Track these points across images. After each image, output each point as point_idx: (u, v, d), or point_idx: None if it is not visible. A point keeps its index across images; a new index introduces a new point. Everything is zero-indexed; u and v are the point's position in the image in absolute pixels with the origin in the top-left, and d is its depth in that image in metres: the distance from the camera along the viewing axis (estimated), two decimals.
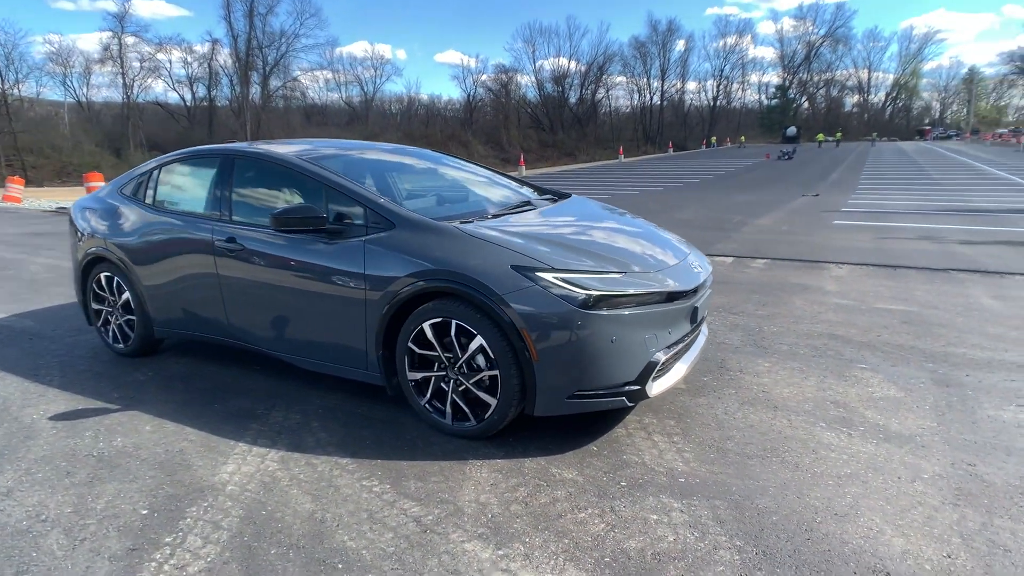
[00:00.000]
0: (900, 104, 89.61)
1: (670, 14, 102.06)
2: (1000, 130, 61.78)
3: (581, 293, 2.57)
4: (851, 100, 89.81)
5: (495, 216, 3.28)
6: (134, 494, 2.53)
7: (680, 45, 75.55)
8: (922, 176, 20.49)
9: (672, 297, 2.80)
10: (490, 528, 2.23)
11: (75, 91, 47.23)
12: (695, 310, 2.93)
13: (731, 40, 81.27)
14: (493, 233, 2.90)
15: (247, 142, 3.99)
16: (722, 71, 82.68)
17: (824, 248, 7.68)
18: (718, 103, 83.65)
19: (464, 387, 2.81)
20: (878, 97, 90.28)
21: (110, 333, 4.20)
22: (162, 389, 3.62)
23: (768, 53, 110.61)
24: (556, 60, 71.54)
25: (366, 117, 74.32)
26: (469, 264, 2.70)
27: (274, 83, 55.81)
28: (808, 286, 5.65)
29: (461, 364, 2.78)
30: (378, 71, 75.14)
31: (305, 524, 2.29)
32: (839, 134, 57.84)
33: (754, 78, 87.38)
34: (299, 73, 56.51)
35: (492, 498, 2.42)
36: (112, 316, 4.17)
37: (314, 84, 60.41)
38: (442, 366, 2.86)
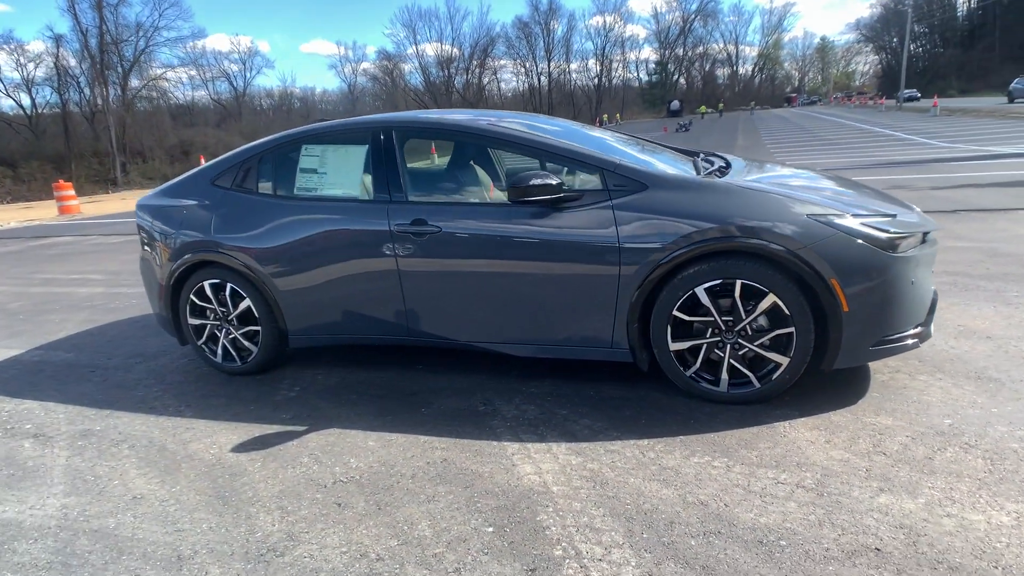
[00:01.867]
0: (766, 75, 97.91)
1: None
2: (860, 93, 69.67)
3: (883, 236, 2.53)
4: (723, 73, 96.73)
5: (722, 173, 3.14)
6: (451, 513, 2.19)
7: (556, 26, 77.33)
8: (817, 138, 22.37)
9: (925, 237, 2.83)
10: (882, 480, 2.15)
11: None
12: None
13: (609, 18, 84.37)
14: (764, 185, 2.78)
15: (398, 112, 3.52)
16: (603, 49, 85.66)
17: None
18: (602, 82, 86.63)
19: (744, 349, 2.69)
20: (746, 69, 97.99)
21: (219, 351, 3.61)
22: (332, 403, 3.17)
23: (641, 31, 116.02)
24: (439, 45, 70.68)
25: (239, 114, 69.42)
26: (763, 217, 2.56)
27: (135, 82, 50.72)
28: None
29: (744, 326, 2.66)
30: (247, 65, 70.32)
31: (691, 511, 2.09)
32: (721, 105, 61.98)
33: (632, 55, 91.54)
34: (162, 71, 51.72)
35: (844, 454, 2.33)
36: (221, 330, 3.58)
37: (178, 82, 55.50)
38: (716, 331, 2.71)
